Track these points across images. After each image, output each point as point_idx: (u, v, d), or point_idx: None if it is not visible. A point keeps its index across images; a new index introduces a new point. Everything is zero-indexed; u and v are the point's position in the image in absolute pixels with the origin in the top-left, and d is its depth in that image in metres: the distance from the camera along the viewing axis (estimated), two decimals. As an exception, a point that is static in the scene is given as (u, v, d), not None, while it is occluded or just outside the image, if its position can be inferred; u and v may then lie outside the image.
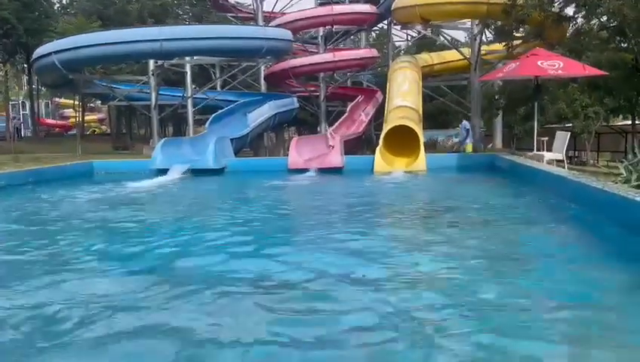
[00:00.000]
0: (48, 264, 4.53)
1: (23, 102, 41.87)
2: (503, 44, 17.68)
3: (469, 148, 15.83)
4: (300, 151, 13.36)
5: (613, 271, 3.98)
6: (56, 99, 49.92)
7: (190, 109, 21.44)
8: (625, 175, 7.12)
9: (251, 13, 28.29)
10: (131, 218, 6.93)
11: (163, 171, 12.32)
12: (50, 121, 46.50)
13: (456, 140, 21.74)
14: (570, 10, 14.69)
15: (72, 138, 29.15)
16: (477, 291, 3.48)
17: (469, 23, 20.01)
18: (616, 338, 2.77)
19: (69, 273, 4.13)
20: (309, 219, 6.93)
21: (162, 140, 14.86)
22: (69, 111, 46.05)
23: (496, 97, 19.28)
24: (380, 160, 12.34)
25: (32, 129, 34.90)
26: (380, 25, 29.05)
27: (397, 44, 30.83)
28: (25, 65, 32.58)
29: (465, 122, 17.11)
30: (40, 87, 34.75)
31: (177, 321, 3.03)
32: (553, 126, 16.24)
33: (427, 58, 23.44)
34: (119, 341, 2.79)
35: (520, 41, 17.37)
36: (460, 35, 25.75)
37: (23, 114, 40.52)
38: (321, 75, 24.94)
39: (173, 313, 3.17)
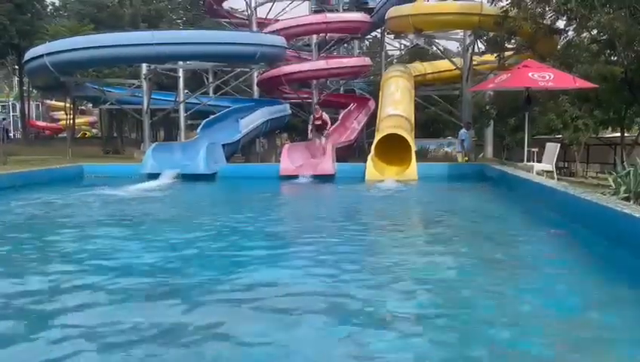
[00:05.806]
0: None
1: (13, 103, 41.51)
2: (495, 55, 17.85)
3: (460, 157, 15.85)
4: (291, 158, 13.35)
5: (598, 282, 4.00)
6: (47, 102, 49.51)
7: (182, 114, 21.38)
8: (614, 187, 7.19)
9: (245, 20, 28.33)
10: (119, 221, 6.88)
11: (154, 176, 12.25)
12: (40, 123, 46.06)
13: (447, 149, 21.84)
14: (561, 23, 14.88)
15: (62, 141, 28.89)
16: (465, 299, 3.49)
17: (462, 34, 20.17)
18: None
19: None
20: (299, 229, 6.91)
21: (153, 145, 14.79)
22: (60, 114, 45.65)
23: (487, 107, 19.43)
24: (372, 168, 12.35)
25: (22, 131, 34.56)
26: (374, 33, 29.17)
27: (390, 52, 31.00)
28: (16, 67, 32.31)
29: (461, 131, 17.10)
30: (31, 88, 34.43)
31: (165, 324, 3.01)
32: (543, 137, 16.37)
33: (420, 67, 23.55)
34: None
35: (511, 52, 17.54)
36: (453, 46, 25.90)
37: (12, 115, 40.18)
38: (314, 82, 24.99)
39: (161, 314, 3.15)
